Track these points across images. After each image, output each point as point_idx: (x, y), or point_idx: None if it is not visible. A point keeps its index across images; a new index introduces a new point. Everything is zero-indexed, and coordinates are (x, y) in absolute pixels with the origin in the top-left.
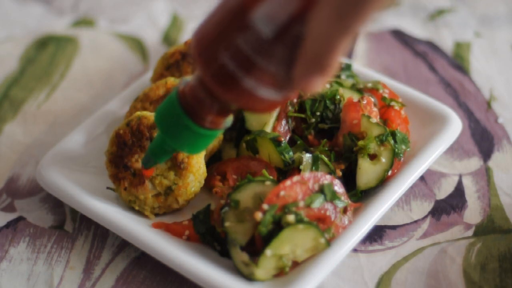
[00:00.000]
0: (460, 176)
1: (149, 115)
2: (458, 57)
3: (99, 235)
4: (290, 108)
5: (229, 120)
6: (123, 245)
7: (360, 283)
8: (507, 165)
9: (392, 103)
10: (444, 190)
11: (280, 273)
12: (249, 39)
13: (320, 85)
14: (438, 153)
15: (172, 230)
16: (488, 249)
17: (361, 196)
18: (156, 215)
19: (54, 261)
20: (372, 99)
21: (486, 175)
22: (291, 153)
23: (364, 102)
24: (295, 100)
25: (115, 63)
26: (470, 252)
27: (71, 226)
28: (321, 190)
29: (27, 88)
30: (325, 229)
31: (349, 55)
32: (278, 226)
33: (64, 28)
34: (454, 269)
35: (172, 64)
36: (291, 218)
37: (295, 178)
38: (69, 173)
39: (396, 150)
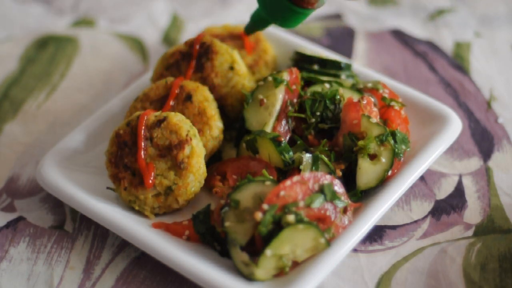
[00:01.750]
0: (460, 176)
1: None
2: (458, 57)
3: (99, 235)
4: (290, 108)
5: (321, 1)
6: (123, 245)
7: (360, 283)
8: (507, 165)
9: (392, 103)
10: (444, 190)
11: (280, 273)
12: None
13: None
14: (438, 153)
15: (172, 230)
16: (488, 249)
17: (361, 196)
18: (156, 215)
19: (54, 261)
20: (372, 99)
21: (486, 175)
22: (291, 153)
23: (364, 102)
24: (295, 100)
25: (115, 63)
26: (470, 252)
27: (71, 226)
28: (321, 190)
29: (27, 88)
30: (325, 229)
31: (349, 55)
32: (278, 226)
33: (64, 28)
34: (454, 269)
35: (172, 64)
36: (291, 218)
37: (295, 178)
38: (69, 173)
39: (396, 150)
